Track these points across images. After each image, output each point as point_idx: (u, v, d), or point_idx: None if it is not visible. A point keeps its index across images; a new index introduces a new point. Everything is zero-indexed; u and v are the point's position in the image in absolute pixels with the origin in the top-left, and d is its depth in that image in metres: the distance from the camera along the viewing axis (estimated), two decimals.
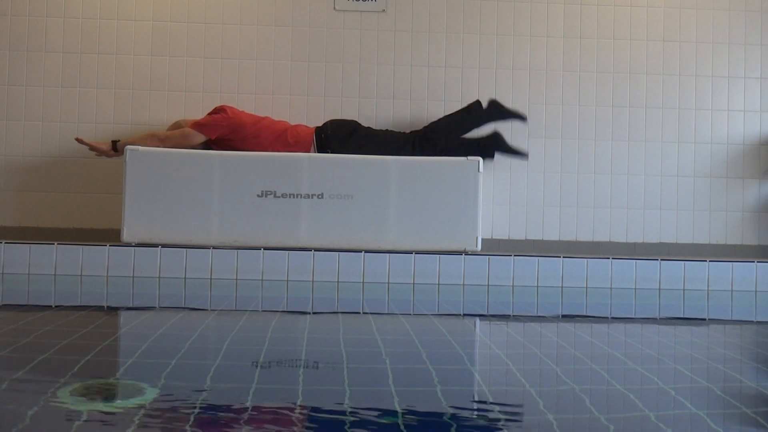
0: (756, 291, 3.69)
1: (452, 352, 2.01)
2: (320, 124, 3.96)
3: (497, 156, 4.03)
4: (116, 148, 3.78)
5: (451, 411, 1.35)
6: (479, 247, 3.66)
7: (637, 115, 4.38)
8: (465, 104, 4.12)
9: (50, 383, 1.46)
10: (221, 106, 3.93)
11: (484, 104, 4.04)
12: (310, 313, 2.82)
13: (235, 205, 3.64)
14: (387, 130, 4.02)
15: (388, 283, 3.58)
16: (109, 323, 2.44)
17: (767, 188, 4.39)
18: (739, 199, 4.38)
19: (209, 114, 3.90)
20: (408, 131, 4.01)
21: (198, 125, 3.80)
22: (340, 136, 3.87)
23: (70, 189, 4.23)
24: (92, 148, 3.80)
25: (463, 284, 3.59)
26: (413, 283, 3.57)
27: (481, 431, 1.25)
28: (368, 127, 3.99)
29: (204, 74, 4.27)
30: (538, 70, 4.36)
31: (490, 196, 4.23)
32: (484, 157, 3.80)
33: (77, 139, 3.77)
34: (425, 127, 4.00)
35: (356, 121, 4.00)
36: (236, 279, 3.55)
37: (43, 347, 1.82)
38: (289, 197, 3.65)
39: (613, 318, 2.92)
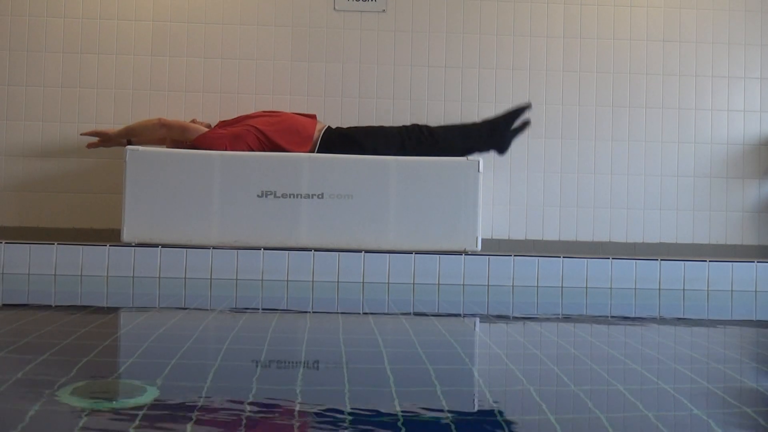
0: (756, 291, 3.69)
1: (452, 352, 2.01)
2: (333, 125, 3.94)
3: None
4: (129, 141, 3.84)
5: (451, 411, 1.35)
6: (479, 247, 3.66)
7: (637, 115, 4.38)
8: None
9: (50, 383, 1.46)
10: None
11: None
12: (310, 313, 2.82)
13: (235, 205, 3.63)
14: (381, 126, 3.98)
15: (388, 283, 3.58)
16: (109, 323, 2.44)
17: (767, 188, 4.39)
18: (739, 199, 4.38)
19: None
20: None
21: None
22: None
23: (70, 189, 4.23)
24: (98, 133, 3.86)
25: (463, 284, 3.59)
26: (413, 283, 3.57)
27: (481, 431, 1.24)
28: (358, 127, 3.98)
29: (204, 74, 4.27)
30: (538, 70, 4.36)
31: (490, 196, 4.23)
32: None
33: (89, 138, 3.90)
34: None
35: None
36: (236, 279, 3.54)
37: (43, 347, 1.82)
38: (289, 197, 3.64)
39: (613, 318, 2.92)
